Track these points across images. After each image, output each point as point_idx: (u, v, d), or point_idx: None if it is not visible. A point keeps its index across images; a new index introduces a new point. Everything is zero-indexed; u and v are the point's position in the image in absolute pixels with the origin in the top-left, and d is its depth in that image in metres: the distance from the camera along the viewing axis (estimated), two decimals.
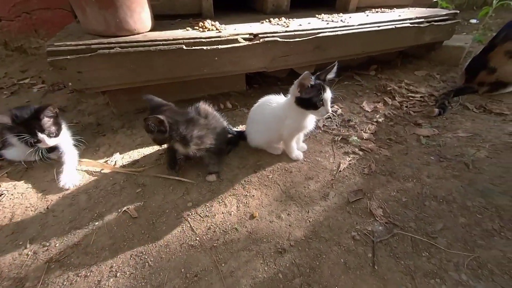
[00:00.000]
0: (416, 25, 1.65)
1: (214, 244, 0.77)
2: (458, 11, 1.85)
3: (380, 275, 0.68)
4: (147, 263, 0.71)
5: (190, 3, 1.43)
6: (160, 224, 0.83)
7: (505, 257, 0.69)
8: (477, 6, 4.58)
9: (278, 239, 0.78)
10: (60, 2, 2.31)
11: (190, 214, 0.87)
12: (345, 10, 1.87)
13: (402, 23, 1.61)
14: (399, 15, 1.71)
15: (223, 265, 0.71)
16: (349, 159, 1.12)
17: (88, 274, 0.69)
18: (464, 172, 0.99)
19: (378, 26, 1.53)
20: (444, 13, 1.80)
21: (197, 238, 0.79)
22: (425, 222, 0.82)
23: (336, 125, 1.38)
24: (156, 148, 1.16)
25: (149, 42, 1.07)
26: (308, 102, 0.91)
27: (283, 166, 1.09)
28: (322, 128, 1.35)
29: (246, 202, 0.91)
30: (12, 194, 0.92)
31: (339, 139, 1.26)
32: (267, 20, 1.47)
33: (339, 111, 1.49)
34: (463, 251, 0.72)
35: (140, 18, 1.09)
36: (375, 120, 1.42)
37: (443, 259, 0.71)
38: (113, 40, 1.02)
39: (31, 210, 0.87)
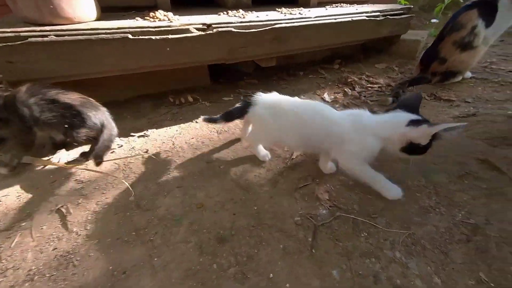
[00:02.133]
0: (372, 18, 1.65)
1: (152, 238, 0.70)
2: (412, 6, 1.88)
3: (317, 258, 0.64)
4: (71, 263, 0.63)
5: None
6: (95, 221, 0.75)
7: (438, 232, 0.68)
8: (451, 2, 4.76)
9: (220, 229, 0.73)
10: None
11: (132, 208, 0.79)
12: (307, 5, 1.85)
13: (359, 16, 1.60)
14: (357, 9, 1.71)
15: (156, 259, 0.64)
16: None
17: (1, 280, 0.60)
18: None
19: (335, 18, 1.52)
20: (399, 7, 1.82)
21: (134, 233, 0.71)
22: (368, 203, 0.79)
23: None
24: None
25: (90, 31, 0.97)
26: (422, 148, 0.73)
27: (235, 156, 1.03)
28: None
29: (193, 194, 0.85)
30: None
31: None
32: (225, 12, 1.41)
33: None
34: (400, 229, 0.70)
35: (80, 5, 0.99)
36: (334, 108, 1.40)
37: (380, 238, 0.68)
38: (47, 27, 0.92)
39: None
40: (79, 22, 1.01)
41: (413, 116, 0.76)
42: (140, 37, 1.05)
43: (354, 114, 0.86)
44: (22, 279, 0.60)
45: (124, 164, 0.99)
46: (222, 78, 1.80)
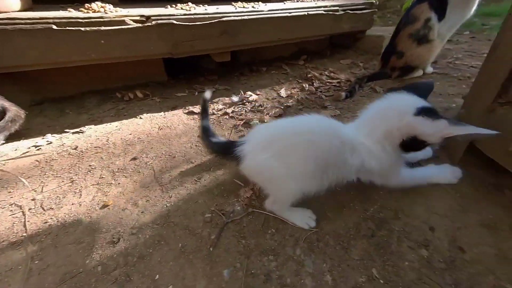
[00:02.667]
0: (330, 12, 1.62)
1: (42, 239, 0.64)
2: (375, 1, 1.85)
3: (213, 257, 0.59)
4: None
5: None
6: None
7: (346, 227, 0.63)
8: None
9: (120, 228, 0.67)
10: None
11: (33, 207, 0.73)
12: (269, 0, 1.81)
13: (316, 10, 1.56)
14: (316, 3, 1.67)
15: (36, 262, 0.59)
16: None
17: None
18: None
19: (290, 12, 1.48)
20: (361, 2, 1.79)
21: (25, 234, 0.65)
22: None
23: (245, 111, 1.30)
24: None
25: (7, 20, 0.91)
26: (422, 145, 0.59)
27: (168, 151, 0.98)
28: (230, 114, 1.27)
29: (107, 191, 0.79)
30: None
31: (241, 123, 1.18)
32: (174, 5, 1.36)
33: (253, 97, 1.41)
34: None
35: None
36: (286, 104, 1.36)
37: (286, 235, 0.63)
38: None
39: None
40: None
41: (421, 102, 0.57)
42: (67, 28, 0.99)
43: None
44: None
45: (46, 162, 0.93)
46: (182, 74, 1.75)
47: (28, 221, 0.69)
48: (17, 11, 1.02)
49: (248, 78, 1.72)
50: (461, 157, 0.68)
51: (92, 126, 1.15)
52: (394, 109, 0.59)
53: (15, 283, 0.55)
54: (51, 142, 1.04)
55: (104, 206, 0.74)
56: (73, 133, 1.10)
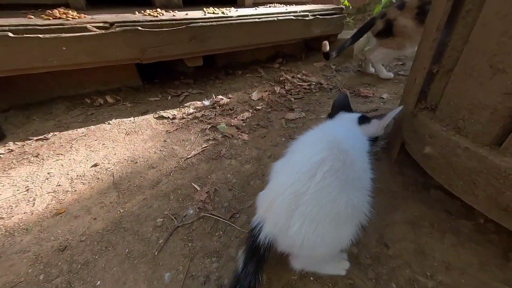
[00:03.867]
0: (300, 18, 1.64)
1: None
2: (344, 7, 1.89)
3: (157, 261, 0.60)
4: None
5: None
6: None
7: None
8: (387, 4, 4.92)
9: (69, 236, 0.67)
10: None
11: None
12: (243, 5, 1.82)
13: (285, 16, 1.59)
14: (286, 9, 1.69)
15: None
16: (206, 145, 1.04)
17: None
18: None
19: (259, 18, 1.49)
20: (331, 7, 1.83)
21: None
22: (239, 201, 0.76)
23: (215, 114, 1.31)
24: None
25: None
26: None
27: (131, 157, 0.98)
28: (200, 118, 1.27)
29: (62, 199, 0.78)
30: None
31: (209, 127, 1.18)
32: (142, 12, 1.34)
33: (224, 101, 1.42)
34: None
35: None
36: (255, 107, 1.38)
37: (232, 237, 0.65)
38: None
39: None
40: None
41: (355, 115, 0.67)
42: (25, 35, 0.96)
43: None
44: None
45: (3, 170, 0.91)
46: (157, 78, 1.73)
47: None
48: None
49: (223, 82, 1.73)
50: (396, 157, 0.71)
51: (57, 133, 1.13)
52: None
53: None
54: (12, 150, 1.01)
55: (57, 214, 0.73)
56: (36, 140, 1.08)
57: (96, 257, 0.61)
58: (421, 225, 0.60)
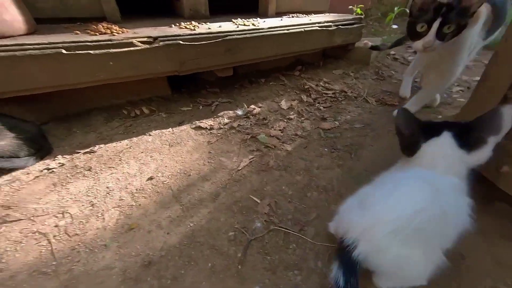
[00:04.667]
0: (324, 28, 1.68)
1: (73, 267, 0.64)
2: (363, 16, 1.94)
3: (242, 275, 0.62)
4: None
5: (88, 5, 1.26)
6: (12, 253, 0.67)
7: None
8: (398, 13, 5.03)
9: (149, 251, 0.68)
10: None
11: (57, 234, 0.73)
12: (265, 15, 1.85)
13: (311, 26, 1.62)
14: (310, 20, 1.73)
15: None
16: (252, 157, 1.07)
17: None
18: (347, 161, 1.01)
19: (288, 29, 1.52)
20: (351, 17, 1.87)
21: (54, 263, 0.65)
22: (302, 213, 0.79)
23: (250, 124, 1.33)
24: None
25: (15, 46, 0.88)
26: None
27: (183, 170, 0.99)
28: (236, 128, 1.29)
29: (129, 213, 0.80)
30: None
31: (248, 138, 1.21)
32: (177, 24, 1.36)
33: (256, 110, 1.44)
34: (325, 239, 0.70)
35: (3, 20, 0.90)
36: (288, 117, 1.41)
37: (306, 249, 0.68)
38: None
39: None
40: (4, 37, 0.92)
41: (452, 140, 0.54)
42: (77, 52, 0.97)
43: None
44: None
45: (61, 185, 0.91)
46: (184, 87, 1.74)
47: (55, 248, 0.69)
48: (24, 35, 0.98)
49: (248, 90, 1.75)
50: None
51: (102, 146, 1.14)
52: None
53: None
54: (63, 164, 1.02)
55: (130, 229, 0.75)
56: (84, 153, 1.09)
57: (182, 271, 0.63)
58: (491, 235, 0.65)
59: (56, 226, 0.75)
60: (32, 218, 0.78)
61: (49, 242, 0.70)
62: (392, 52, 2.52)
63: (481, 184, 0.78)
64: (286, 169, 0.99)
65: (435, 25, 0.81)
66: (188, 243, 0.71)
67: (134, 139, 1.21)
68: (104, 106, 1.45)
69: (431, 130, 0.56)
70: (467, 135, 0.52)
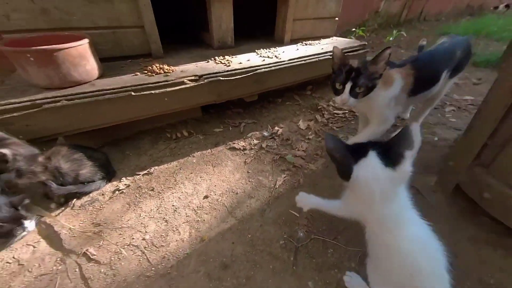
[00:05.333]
0: None
1: (168, 271, 0.84)
2: (366, 43, 2.17)
3: (298, 274, 0.83)
4: None
5: (139, 46, 1.44)
6: (117, 261, 0.86)
7: None
8: (393, 24, 5.29)
9: (222, 257, 0.88)
10: None
11: (147, 246, 0.92)
12: (281, 42, 2.05)
13: (324, 56, 1.83)
14: (322, 48, 1.94)
15: None
16: (284, 176, 1.27)
17: None
18: None
19: (305, 60, 1.73)
20: (357, 44, 2.09)
21: (153, 268, 0.85)
22: (334, 225, 1.00)
23: (276, 145, 1.54)
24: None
25: (97, 92, 1.07)
26: None
27: (230, 188, 1.19)
28: (265, 148, 1.50)
29: (198, 228, 1.00)
30: None
31: (278, 158, 1.41)
32: (213, 59, 1.55)
33: (280, 131, 1.65)
34: (355, 245, 0.92)
35: (85, 70, 1.08)
36: (307, 137, 1.62)
37: (341, 253, 0.89)
38: (58, 93, 1.01)
39: None
40: (85, 83, 1.10)
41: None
42: (142, 93, 1.16)
43: None
44: None
45: (134, 204, 1.10)
46: (212, 108, 1.94)
47: (149, 257, 0.88)
48: (97, 78, 1.16)
49: (268, 110, 1.95)
50: (451, 192, 0.98)
51: (156, 167, 1.32)
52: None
53: None
54: (129, 185, 1.20)
55: (202, 240, 0.94)
56: (143, 175, 1.27)
57: (252, 273, 0.84)
58: (478, 242, 0.87)
59: (143, 239, 0.94)
60: (121, 233, 0.97)
61: (143, 253, 0.90)
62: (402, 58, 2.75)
63: (468, 202, 1.01)
64: (314, 187, 1.20)
65: (348, 86, 0.93)
66: (250, 250, 0.91)
67: (181, 160, 1.40)
68: (148, 129, 1.63)
69: (358, 151, 0.61)
70: (389, 152, 0.57)
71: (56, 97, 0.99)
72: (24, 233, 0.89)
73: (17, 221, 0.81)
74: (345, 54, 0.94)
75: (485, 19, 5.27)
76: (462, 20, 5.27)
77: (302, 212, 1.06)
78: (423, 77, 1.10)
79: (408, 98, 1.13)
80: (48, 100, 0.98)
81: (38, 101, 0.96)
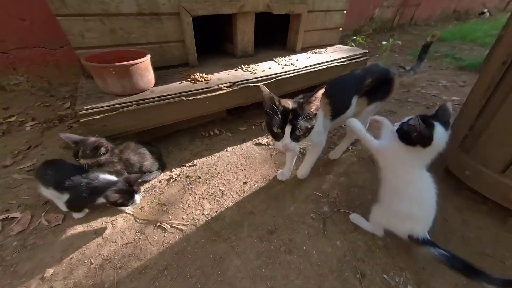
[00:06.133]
0: (341, 63, 2.15)
1: (228, 236, 1.07)
2: (367, 51, 2.43)
3: (328, 237, 1.08)
4: (185, 256, 0.99)
5: (179, 57, 1.66)
6: (187, 229, 1.09)
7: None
8: (387, 29, 5.59)
9: (268, 226, 1.12)
10: (38, 41, 2.25)
11: (207, 219, 1.15)
12: (293, 50, 2.30)
13: (332, 63, 2.09)
14: (330, 56, 2.19)
15: (237, 248, 1.02)
16: None
17: (139, 277, 0.93)
18: (372, 167, 1.48)
19: (317, 67, 1.98)
20: (359, 53, 2.35)
21: (216, 234, 1.08)
22: (351, 201, 1.25)
23: None
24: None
25: (157, 98, 1.29)
26: None
27: (262, 176, 1.43)
28: None
29: (244, 206, 1.23)
30: None
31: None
32: (239, 67, 1.78)
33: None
34: (367, 214, 1.17)
35: (148, 79, 1.31)
36: None
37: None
38: (130, 99, 1.23)
39: None
40: (146, 90, 1.32)
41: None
42: (191, 98, 1.39)
43: None
44: (158, 271, 0.94)
45: (188, 189, 1.33)
46: (233, 110, 2.16)
47: (212, 227, 1.11)
48: (154, 86, 1.38)
49: None
50: (442, 173, 1.24)
51: (198, 160, 1.55)
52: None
53: (234, 259, 0.98)
54: (179, 174, 1.43)
55: (250, 213, 1.18)
56: (188, 166, 1.50)
57: (293, 236, 1.08)
58: (461, 209, 1.14)
59: (203, 214, 1.17)
60: (183, 210, 1.20)
61: (206, 223, 1.13)
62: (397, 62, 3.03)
63: (455, 180, 1.27)
64: (331, 173, 1.45)
65: (287, 130, 0.85)
66: (288, 221, 1.15)
67: (217, 154, 1.63)
68: (184, 128, 1.85)
69: (428, 124, 0.84)
70: (441, 121, 0.84)
71: (129, 102, 1.21)
72: (134, 204, 1.07)
73: (131, 194, 1.02)
74: (271, 95, 0.92)
75: (471, 24, 5.62)
76: (449, 26, 5.61)
77: (324, 193, 1.31)
78: (336, 103, 1.16)
79: (333, 121, 1.20)
80: (123, 105, 1.20)
81: (115, 106, 1.18)
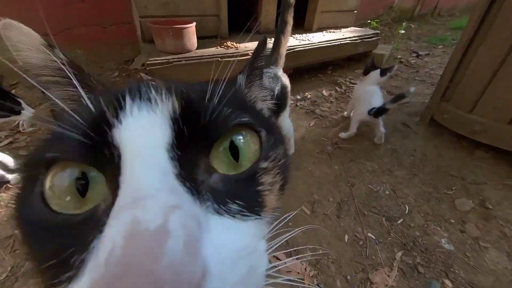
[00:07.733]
0: (353, 41, 2.36)
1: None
2: (379, 31, 2.59)
3: (329, 164, 1.37)
4: None
5: (214, 29, 1.98)
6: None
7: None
8: (406, 19, 5.52)
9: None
10: (94, 20, 2.67)
11: None
12: (310, 30, 2.52)
13: (344, 41, 2.30)
14: (343, 35, 2.40)
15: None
16: (315, 120, 1.80)
17: None
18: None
19: (330, 43, 2.21)
20: (371, 33, 2.53)
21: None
22: (349, 142, 1.52)
23: (307, 104, 2.05)
24: None
25: (199, 57, 1.62)
26: None
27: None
28: (299, 106, 2.02)
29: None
30: None
31: (309, 111, 1.93)
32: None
33: (309, 96, 2.16)
34: (360, 151, 1.43)
35: (192, 42, 1.64)
36: (330, 100, 2.12)
37: (354, 154, 1.41)
38: (180, 56, 1.57)
39: None
40: (190, 51, 1.65)
41: None
42: (224, 59, 1.70)
43: None
44: None
45: None
46: None
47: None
48: (196, 49, 1.71)
49: (298, 83, 2.46)
50: (427, 122, 1.48)
51: None
52: None
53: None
54: None
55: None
56: None
57: (301, 162, 1.38)
58: (438, 146, 1.38)
59: None
60: None
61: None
62: (399, 56, 3.15)
63: (437, 127, 1.49)
64: (336, 126, 1.72)
65: None
66: (298, 154, 1.45)
67: None
68: None
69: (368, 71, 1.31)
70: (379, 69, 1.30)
71: (180, 58, 1.55)
72: None
73: None
74: None
75: None
76: None
77: (329, 139, 1.59)
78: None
79: None
80: (176, 59, 1.54)
81: (170, 60, 1.53)
